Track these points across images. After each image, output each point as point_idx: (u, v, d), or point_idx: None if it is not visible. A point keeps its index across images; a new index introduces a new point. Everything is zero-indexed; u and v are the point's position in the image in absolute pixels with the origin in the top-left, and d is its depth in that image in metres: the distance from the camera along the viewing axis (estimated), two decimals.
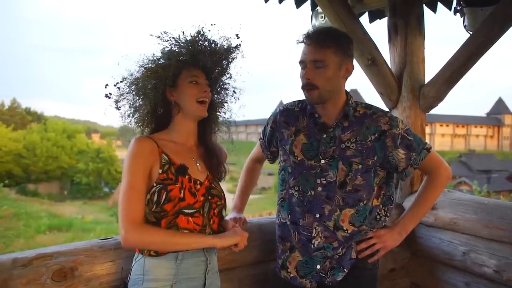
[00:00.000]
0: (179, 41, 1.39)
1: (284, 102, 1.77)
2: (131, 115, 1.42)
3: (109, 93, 1.38)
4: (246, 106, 1.55)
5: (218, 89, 1.55)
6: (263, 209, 22.52)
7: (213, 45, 1.42)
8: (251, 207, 23.06)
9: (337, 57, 1.49)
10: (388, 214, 1.63)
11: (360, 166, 1.52)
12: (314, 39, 1.48)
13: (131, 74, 1.38)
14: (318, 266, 1.56)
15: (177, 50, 1.39)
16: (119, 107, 1.40)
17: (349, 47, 1.54)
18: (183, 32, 1.39)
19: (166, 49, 1.39)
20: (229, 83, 1.54)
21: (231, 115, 1.57)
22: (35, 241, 15.92)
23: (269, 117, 1.76)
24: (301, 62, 1.51)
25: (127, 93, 1.39)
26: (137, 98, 1.40)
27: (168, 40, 1.38)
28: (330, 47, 1.47)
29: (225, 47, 1.45)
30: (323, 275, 1.56)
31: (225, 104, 1.57)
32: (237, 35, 1.44)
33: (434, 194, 1.65)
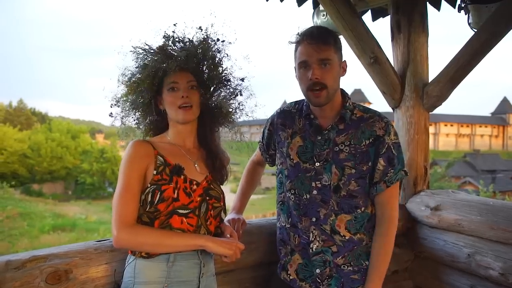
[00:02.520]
0: (150, 52, 1.35)
1: (288, 102, 1.73)
2: (135, 127, 1.47)
3: (111, 113, 1.42)
4: (265, 105, 1.51)
5: (216, 82, 1.48)
6: (267, 209, 22.44)
7: (187, 44, 1.38)
8: (254, 207, 23.06)
9: (337, 55, 1.47)
10: None
11: (353, 171, 1.47)
12: (317, 38, 1.44)
13: (121, 93, 1.39)
14: (318, 270, 1.52)
15: (150, 60, 1.34)
16: (124, 123, 1.45)
17: (341, 44, 1.51)
18: (149, 47, 1.36)
19: (140, 59, 1.36)
20: (225, 76, 1.46)
21: (242, 109, 1.50)
22: (39, 241, 16.04)
23: (267, 120, 1.72)
24: (302, 62, 1.45)
25: (127, 110, 1.42)
26: (135, 111, 1.44)
27: (141, 53, 1.36)
28: (331, 44, 1.45)
29: (203, 41, 1.39)
30: (319, 281, 1.52)
31: (231, 101, 1.49)
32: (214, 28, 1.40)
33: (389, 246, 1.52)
